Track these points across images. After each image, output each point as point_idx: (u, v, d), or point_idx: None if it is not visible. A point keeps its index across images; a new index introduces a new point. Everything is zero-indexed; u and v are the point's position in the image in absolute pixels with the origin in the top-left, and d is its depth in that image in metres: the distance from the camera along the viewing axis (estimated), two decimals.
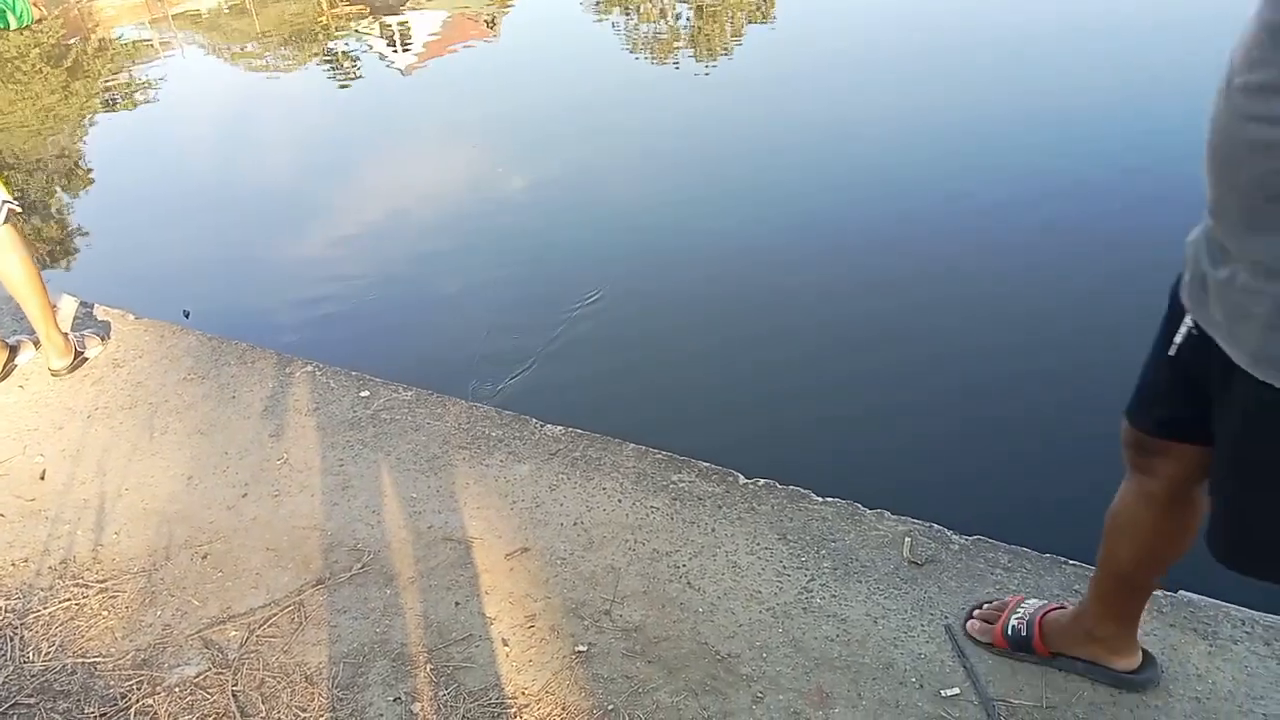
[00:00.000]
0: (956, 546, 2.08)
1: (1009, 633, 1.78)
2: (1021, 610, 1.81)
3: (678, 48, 9.24)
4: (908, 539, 2.10)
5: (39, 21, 2.96)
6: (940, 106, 6.27)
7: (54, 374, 3.12)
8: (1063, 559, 2.01)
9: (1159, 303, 1.28)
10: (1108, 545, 1.57)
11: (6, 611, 2.15)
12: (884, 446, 3.03)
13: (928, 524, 2.15)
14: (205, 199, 6.45)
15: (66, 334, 3.17)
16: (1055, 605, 1.79)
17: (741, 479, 2.36)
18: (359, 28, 11.93)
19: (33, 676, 1.97)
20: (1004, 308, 3.77)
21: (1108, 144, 5.36)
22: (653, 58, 9.02)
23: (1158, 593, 1.90)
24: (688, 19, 10.55)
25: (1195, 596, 1.88)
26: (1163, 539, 1.48)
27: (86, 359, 3.20)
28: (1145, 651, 1.72)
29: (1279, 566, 1.19)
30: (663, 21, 10.58)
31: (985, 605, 1.88)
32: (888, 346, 3.60)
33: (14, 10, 2.88)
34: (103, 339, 3.30)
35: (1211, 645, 1.78)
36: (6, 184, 2.89)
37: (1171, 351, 1.26)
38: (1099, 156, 5.20)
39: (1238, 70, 0.97)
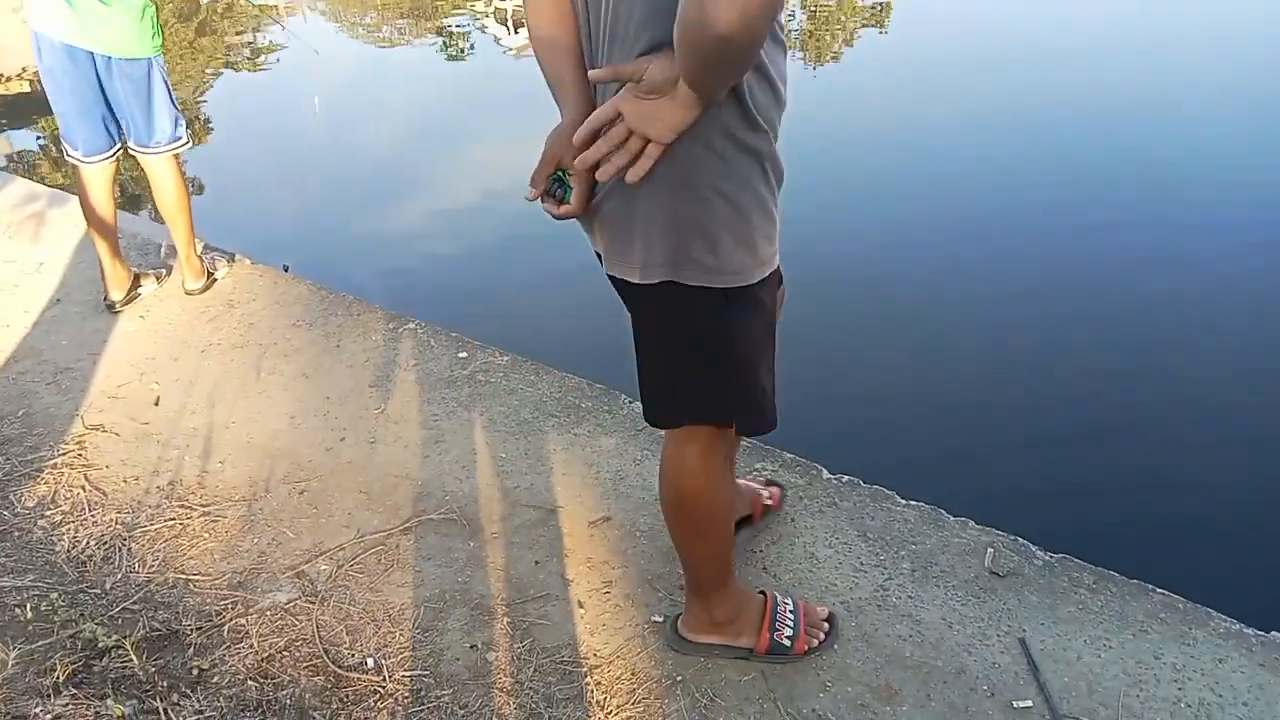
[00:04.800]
0: (1040, 562, 2.06)
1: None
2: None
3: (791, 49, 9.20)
4: (990, 549, 2.08)
5: None
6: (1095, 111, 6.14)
7: (189, 294, 3.34)
8: (1150, 586, 1.98)
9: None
10: None
11: (118, 524, 2.28)
12: (974, 455, 3.00)
13: (1013, 537, 2.13)
14: (316, 160, 6.68)
15: (202, 257, 3.39)
16: None
17: (825, 473, 2.37)
18: (475, 7, 12.14)
19: (138, 586, 2.10)
20: (1109, 326, 3.68)
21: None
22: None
23: (1247, 630, 1.85)
24: (801, 21, 10.49)
25: None
26: None
27: (217, 279, 3.42)
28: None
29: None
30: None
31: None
32: (984, 353, 3.55)
33: None
34: (230, 260, 3.53)
35: None
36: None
37: None
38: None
39: None
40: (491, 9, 12.09)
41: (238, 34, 11.57)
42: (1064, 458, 2.97)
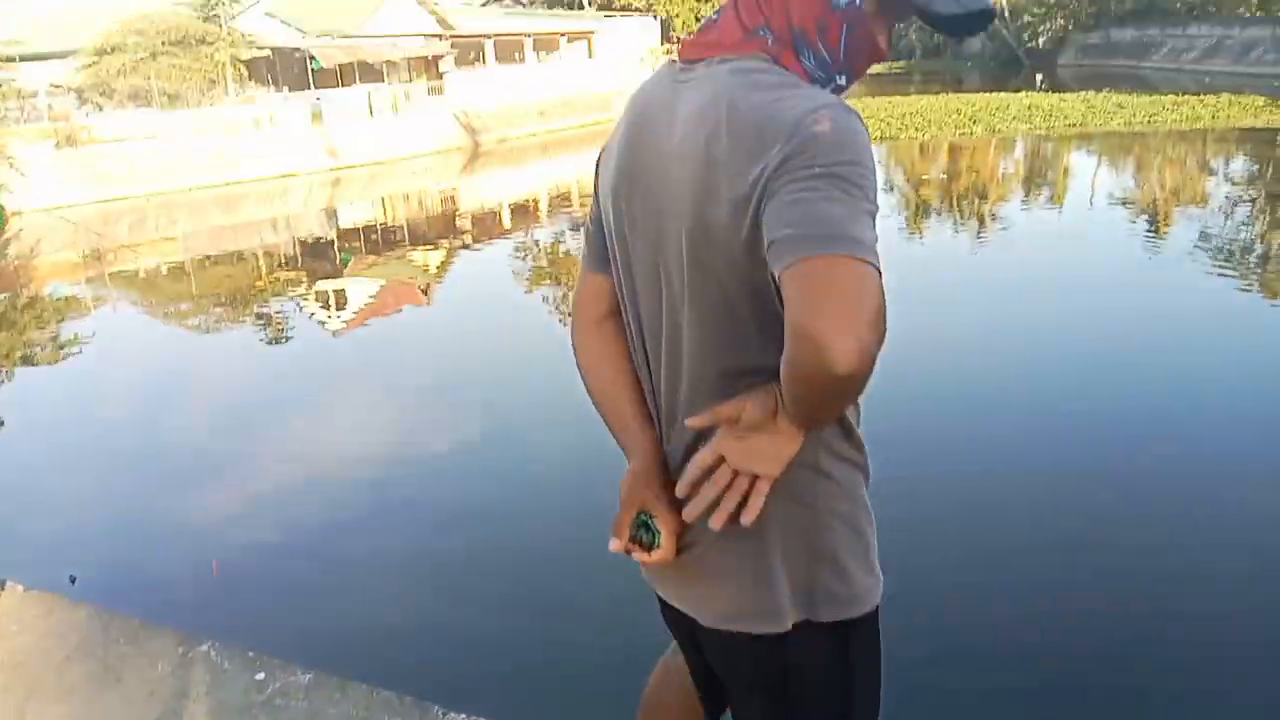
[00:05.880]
0: None
1: None
2: None
3: None
4: None
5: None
6: None
7: None
8: None
9: None
10: None
11: None
12: None
13: None
14: (113, 459, 6.35)
15: None
16: None
17: None
18: (295, 292, 12.34)
19: None
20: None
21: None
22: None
23: None
24: None
25: None
26: None
27: None
28: None
29: None
30: None
31: None
32: None
33: None
34: None
35: None
36: None
37: None
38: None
39: None
40: (313, 291, 12.32)
41: (39, 328, 11.23)
42: None
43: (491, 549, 4.51)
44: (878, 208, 1.04)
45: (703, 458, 1.16)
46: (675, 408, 1.26)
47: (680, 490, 1.19)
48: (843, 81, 1.20)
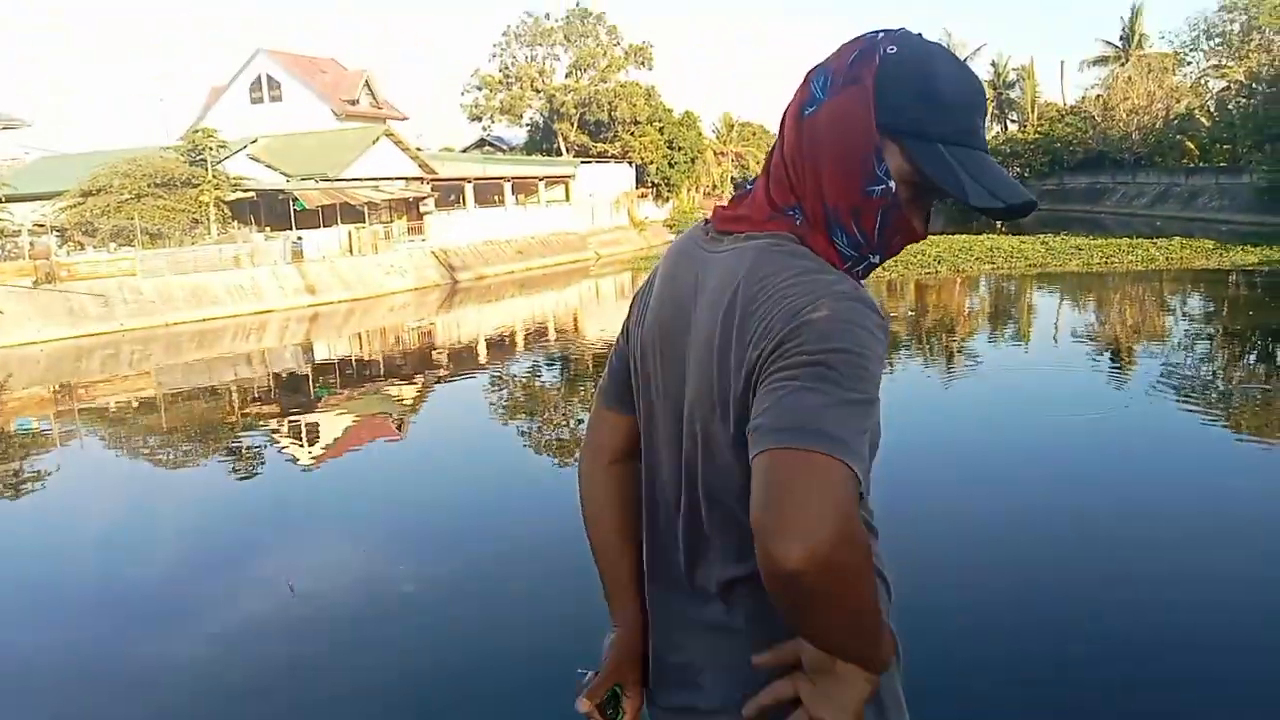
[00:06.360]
0: None
1: None
2: None
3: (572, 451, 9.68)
4: None
5: None
6: None
7: None
8: None
9: None
10: None
11: None
12: None
13: None
14: (71, 602, 6.13)
15: None
16: None
17: None
18: (268, 426, 12.23)
19: None
20: None
21: None
22: (558, 461, 9.43)
23: None
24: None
25: None
26: None
27: None
28: None
29: None
30: (564, 427, 11.20)
31: None
32: None
33: None
34: None
35: None
36: None
37: None
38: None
39: None
40: (286, 424, 12.22)
41: (4, 463, 11.00)
42: None
43: (470, 690, 4.34)
44: (872, 398, 1.01)
45: (779, 689, 1.12)
46: (672, 568, 1.25)
47: (746, 712, 1.15)
48: (876, 260, 1.19)
